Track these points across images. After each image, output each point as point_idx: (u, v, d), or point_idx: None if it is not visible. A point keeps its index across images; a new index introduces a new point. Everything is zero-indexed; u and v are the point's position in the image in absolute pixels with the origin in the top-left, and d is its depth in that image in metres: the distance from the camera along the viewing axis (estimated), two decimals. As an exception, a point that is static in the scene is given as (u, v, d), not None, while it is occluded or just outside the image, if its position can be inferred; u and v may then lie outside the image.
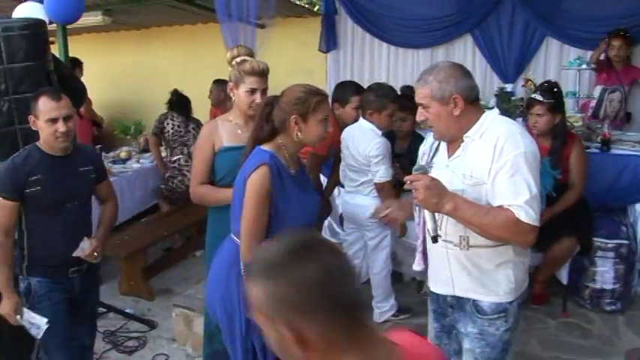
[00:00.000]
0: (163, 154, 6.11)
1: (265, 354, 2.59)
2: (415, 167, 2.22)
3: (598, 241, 3.87)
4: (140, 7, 6.41)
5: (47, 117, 2.75)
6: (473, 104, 2.21)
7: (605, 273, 3.88)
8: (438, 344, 2.55)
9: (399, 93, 4.36)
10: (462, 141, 2.21)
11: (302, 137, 2.42)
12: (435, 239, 2.17)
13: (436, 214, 2.18)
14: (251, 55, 3.16)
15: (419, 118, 2.27)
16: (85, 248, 2.89)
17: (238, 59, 3.03)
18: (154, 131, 5.99)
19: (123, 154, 6.11)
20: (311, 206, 2.59)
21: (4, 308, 2.85)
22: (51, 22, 4.19)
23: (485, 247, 2.19)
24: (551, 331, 3.68)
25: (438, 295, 2.45)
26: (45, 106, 2.76)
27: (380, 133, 3.62)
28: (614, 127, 4.82)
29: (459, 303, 2.35)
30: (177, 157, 5.83)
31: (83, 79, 6.90)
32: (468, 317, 2.32)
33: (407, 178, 2.14)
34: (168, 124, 5.85)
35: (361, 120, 3.72)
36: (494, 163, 2.10)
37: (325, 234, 4.53)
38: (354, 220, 3.82)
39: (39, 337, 2.91)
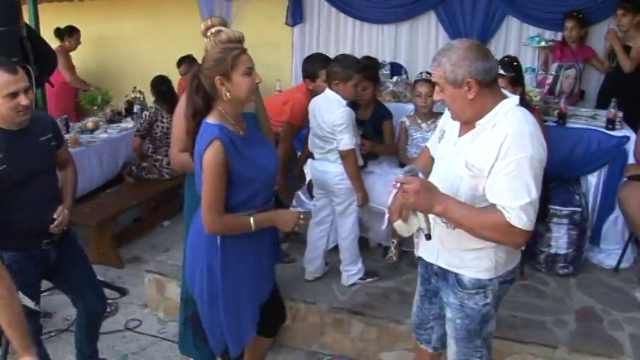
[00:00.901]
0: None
1: (243, 316, 2.69)
2: (405, 169, 2.21)
3: (553, 208, 4.05)
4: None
5: (6, 92, 2.62)
6: (489, 87, 2.16)
7: (559, 239, 4.08)
8: (420, 307, 2.69)
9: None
10: (474, 127, 2.21)
11: (232, 95, 2.46)
12: (428, 237, 2.24)
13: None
14: (225, 25, 3.17)
15: (436, 97, 2.29)
16: (62, 221, 2.90)
17: (213, 30, 3.04)
18: (140, 131, 5.79)
19: (90, 125, 6.06)
20: (264, 161, 2.62)
21: None
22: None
23: None
24: (509, 293, 3.78)
25: (426, 261, 2.54)
26: (2, 80, 2.62)
27: (345, 103, 3.69)
28: (569, 103, 5.03)
29: (443, 273, 2.45)
30: (162, 157, 5.77)
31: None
32: (450, 289, 2.42)
33: (398, 179, 2.18)
34: (157, 126, 5.71)
35: (327, 90, 3.77)
36: (497, 160, 2.09)
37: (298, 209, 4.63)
38: (323, 186, 3.92)
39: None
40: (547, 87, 5.33)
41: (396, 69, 5.93)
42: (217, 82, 2.45)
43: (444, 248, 2.38)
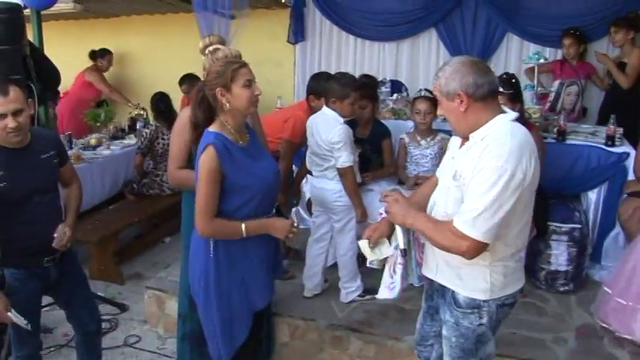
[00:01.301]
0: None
1: (236, 323, 2.74)
2: (391, 188, 2.36)
3: (553, 225, 4.04)
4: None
5: None
6: (483, 102, 2.18)
7: (559, 256, 4.07)
8: (422, 324, 2.71)
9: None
10: (468, 140, 2.24)
11: (231, 106, 2.58)
12: (404, 252, 2.39)
13: (396, 273, 2.49)
14: (223, 43, 3.22)
15: (439, 112, 2.39)
16: (62, 238, 2.88)
17: (211, 48, 3.11)
18: (140, 148, 5.86)
19: (93, 141, 6.10)
20: (263, 173, 2.69)
21: None
22: (25, 7, 4.19)
23: None
24: (509, 310, 3.86)
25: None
26: None
27: (342, 120, 3.71)
28: (571, 120, 5.04)
29: (441, 290, 2.46)
30: (162, 172, 5.80)
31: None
32: (447, 306, 2.42)
33: (383, 192, 2.47)
34: (159, 143, 5.78)
35: (324, 108, 3.80)
36: (476, 166, 2.11)
37: (294, 219, 4.63)
38: (321, 204, 3.93)
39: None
40: (548, 104, 5.35)
41: (397, 86, 5.96)
42: (218, 94, 2.56)
43: (443, 263, 2.39)
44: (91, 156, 5.83)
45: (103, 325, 4.11)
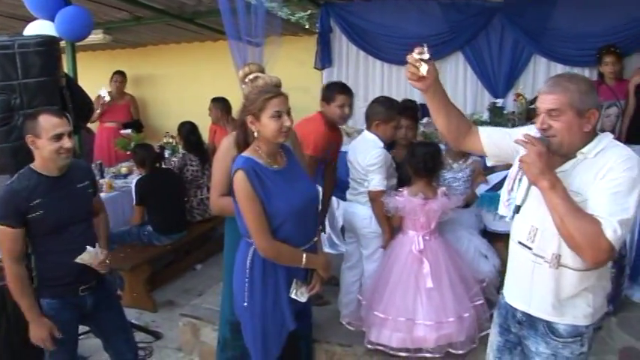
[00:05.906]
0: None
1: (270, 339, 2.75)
2: (540, 137, 2.10)
3: (590, 245, 3.98)
4: (139, 25, 6.57)
5: (52, 133, 2.71)
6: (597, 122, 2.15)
7: (597, 277, 4.00)
8: (499, 358, 2.51)
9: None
10: (574, 157, 2.13)
11: (260, 134, 2.62)
12: (517, 209, 2.13)
13: (513, 190, 2.16)
14: (262, 71, 3.22)
15: (540, 126, 2.15)
16: (98, 253, 2.87)
17: (251, 76, 3.09)
18: None
19: (124, 170, 6.17)
20: (296, 198, 2.67)
21: (37, 334, 2.78)
22: (60, 39, 4.26)
23: (573, 269, 2.14)
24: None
25: (507, 309, 2.42)
26: (49, 123, 2.73)
27: (381, 144, 3.72)
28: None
29: (530, 320, 2.31)
30: (192, 198, 5.87)
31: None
32: (540, 337, 2.28)
33: (526, 135, 2.10)
34: (187, 170, 5.84)
35: (365, 132, 3.82)
36: (598, 180, 2.02)
37: (324, 245, 4.59)
38: (352, 229, 3.91)
39: None
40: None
41: (426, 110, 5.92)
42: (248, 121, 2.62)
43: (538, 295, 2.26)
44: (122, 184, 5.89)
45: (139, 353, 4.12)
